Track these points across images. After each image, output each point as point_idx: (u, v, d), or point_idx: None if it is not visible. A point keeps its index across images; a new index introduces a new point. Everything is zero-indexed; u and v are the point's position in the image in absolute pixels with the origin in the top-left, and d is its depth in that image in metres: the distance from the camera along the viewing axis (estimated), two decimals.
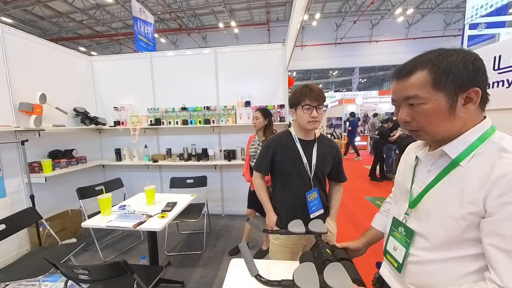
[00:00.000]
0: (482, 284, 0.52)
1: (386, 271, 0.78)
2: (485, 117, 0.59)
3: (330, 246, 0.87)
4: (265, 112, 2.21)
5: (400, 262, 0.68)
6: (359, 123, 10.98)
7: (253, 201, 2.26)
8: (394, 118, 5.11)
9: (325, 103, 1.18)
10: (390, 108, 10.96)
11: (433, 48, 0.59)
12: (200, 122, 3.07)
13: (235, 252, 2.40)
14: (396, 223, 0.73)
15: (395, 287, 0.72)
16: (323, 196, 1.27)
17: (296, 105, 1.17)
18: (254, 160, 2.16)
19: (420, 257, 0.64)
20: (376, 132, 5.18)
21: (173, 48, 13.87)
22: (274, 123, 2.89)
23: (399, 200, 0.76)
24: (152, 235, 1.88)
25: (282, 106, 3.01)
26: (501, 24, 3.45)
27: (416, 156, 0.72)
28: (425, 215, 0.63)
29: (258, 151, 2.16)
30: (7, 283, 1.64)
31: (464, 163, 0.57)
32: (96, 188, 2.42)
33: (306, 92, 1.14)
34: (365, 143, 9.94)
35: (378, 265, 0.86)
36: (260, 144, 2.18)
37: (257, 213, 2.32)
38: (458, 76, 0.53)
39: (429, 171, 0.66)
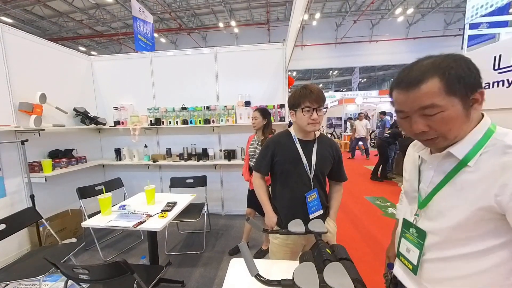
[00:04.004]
0: None
1: (400, 271, 0.78)
2: (482, 114, 0.61)
3: (330, 246, 0.87)
4: (263, 111, 2.20)
5: (415, 264, 0.68)
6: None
7: (252, 200, 2.27)
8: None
9: (325, 104, 1.17)
10: (390, 108, 10.96)
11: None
12: (200, 122, 3.07)
13: (235, 252, 2.40)
14: (406, 224, 0.73)
15: (410, 287, 0.73)
16: (323, 196, 1.27)
17: (296, 107, 1.15)
18: (253, 160, 2.18)
19: (435, 257, 0.64)
20: (388, 132, 5.19)
21: (173, 47, 13.87)
22: (274, 123, 2.91)
23: (408, 201, 0.76)
24: (152, 235, 1.89)
25: (282, 106, 3.01)
26: (502, 24, 3.44)
27: (419, 156, 0.73)
28: (437, 215, 0.64)
29: (257, 151, 2.16)
30: (7, 282, 1.64)
31: (472, 163, 0.58)
32: (96, 188, 2.42)
33: (305, 94, 1.12)
34: None
35: (390, 266, 0.86)
36: (259, 143, 2.18)
37: (256, 213, 2.32)
38: (468, 80, 0.54)
39: (435, 171, 0.66)
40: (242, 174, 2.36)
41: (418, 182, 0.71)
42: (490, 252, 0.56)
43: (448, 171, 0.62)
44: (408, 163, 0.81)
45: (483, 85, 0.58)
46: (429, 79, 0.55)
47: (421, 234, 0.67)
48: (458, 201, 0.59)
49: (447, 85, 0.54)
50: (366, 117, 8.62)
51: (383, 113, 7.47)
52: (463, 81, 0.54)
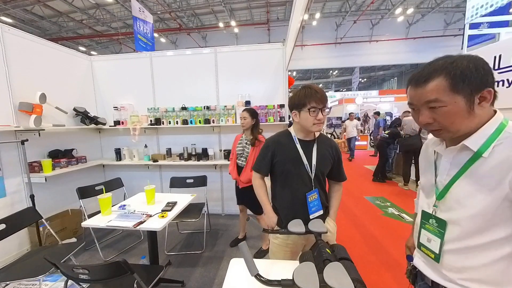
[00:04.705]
0: None
1: (421, 262, 0.81)
2: (495, 111, 0.65)
3: (330, 246, 0.87)
4: (252, 112, 2.26)
5: (437, 252, 0.72)
6: (359, 122, 10.98)
7: (241, 197, 2.37)
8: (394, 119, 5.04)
9: (327, 104, 1.17)
10: (390, 108, 10.97)
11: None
12: (200, 122, 3.07)
13: (235, 244, 2.44)
14: (426, 215, 0.77)
15: (431, 276, 0.75)
16: (323, 196, 1.27)
17: (300, 107, 1.14)
18: (241, 159, 2.24)
19: (454, 246, 0.68)
20: (387, 132, 5.17)
21: (173, 47, 13.86)
22: (274, 123, 2.94)
23: (425, 195, 0.80)
24: (152, 235, 1.89)
25: (282, 106, 3.01)
26: (502, 24, 3.44)
27: (435, 151, 0.77)
28: (455, 205, 0.68)
29: (246, 150, 2.23)
30: (7, 282, 1.65)
31: (486, 154, 0.62)
32: (96, 188, 2.42)
33: (311, 94, 1.11)
34: (364, 142, 9.93)
35: (409, 258, 0.90)
36: (248, 143, 2.23)
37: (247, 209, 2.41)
38: (473, 80, 0.59)
39: (451, 164, 0.70)
40: (229, 173, 2.38)
41: (435, 175, 0.75)
42: (508, 240, 0.60)
43: (464, 163, 0.66)
44: (423, 159, 0.86)
45: (493, 85, 0.61)
46: (436, 78, 0.61)
47: (441, 224, 0.71)
48: (475, 191, 0.63)
49: (451, 83, 0.59)
50: (366, 117, 8.63)
51: (377, 113, 7.71)
52: (467, 81, 0.58)
